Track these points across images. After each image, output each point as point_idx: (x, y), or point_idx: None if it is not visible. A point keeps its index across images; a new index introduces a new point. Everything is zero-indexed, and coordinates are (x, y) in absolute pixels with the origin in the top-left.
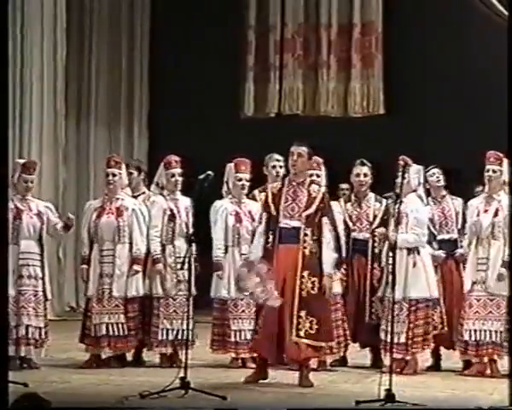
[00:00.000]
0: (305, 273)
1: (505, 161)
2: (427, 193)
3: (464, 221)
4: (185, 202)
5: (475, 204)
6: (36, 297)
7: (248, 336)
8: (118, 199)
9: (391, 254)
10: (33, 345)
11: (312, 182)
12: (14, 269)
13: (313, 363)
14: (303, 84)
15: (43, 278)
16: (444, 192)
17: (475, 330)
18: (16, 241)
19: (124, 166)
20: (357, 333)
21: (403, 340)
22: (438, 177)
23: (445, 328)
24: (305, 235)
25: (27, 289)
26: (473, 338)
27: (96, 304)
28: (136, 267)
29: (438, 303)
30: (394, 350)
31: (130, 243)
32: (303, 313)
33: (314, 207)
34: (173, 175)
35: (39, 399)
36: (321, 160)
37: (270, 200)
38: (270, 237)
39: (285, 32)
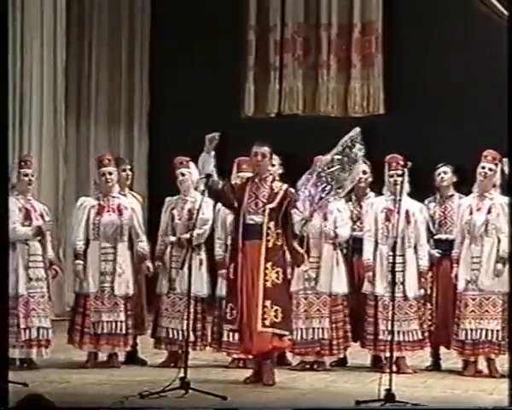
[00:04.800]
0: (269, 265)
1: (499, 164)
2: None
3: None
4: (194, 203)
5: (467, 203)
6: (43, 299)
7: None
8: (114, 197)
9: (391, 253)
10: (44, 346)
11: (274, 179)
12: (24, 270)
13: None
14: (303, 85)
15: (46, 279)
16: (450, 192)
17: (471, 330)
18: (26, 242)
19: (115, 163)
20: (358, 333)
21: (420, 337)
22: (442, 176)
23: (433, 326)
24: (268, 228)
25: (36, 291)
26: (469, 337)
27: (94, 302)
28: (148, 264)
29: (428, 300)
30: (409, 348)
31: (129, 242)
32: (268, 303)
33: (277, 201)
34: (177, 176)
35: (44, 400)
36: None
37: (232, 196)
38: (236, 233)
39: (285, 32)
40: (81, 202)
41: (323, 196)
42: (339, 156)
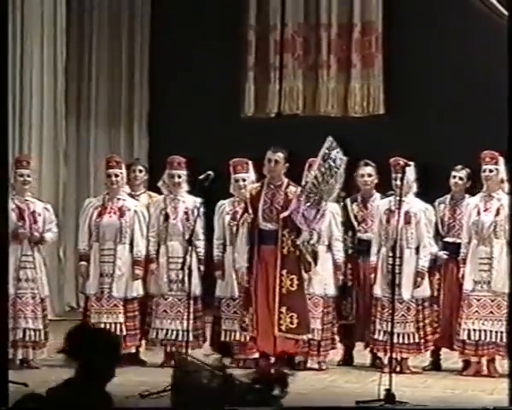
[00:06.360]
0: (284, 272)
1: (501, 160)
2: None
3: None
4: (187, 203)
5: (474, 203)
6: (34, 300)
7: (237, 337)
8: (119, 199)
9: (391, 253)
10: (31, 347)
11: (289, 184)
12: (16, 269)
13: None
14: (303, 84)
15: (40, 278)
16: (462, 196)
17: (474, 330)
18: (19, 242)
19: (123, 165)
20: (364, 334)
21: (416, 340)
22: (456, 181)
23: (439, 327)
24: (283, 236)
25: (25, 292)
26: (472, 338)
27: (95, 303)
28: (137, 271)
29: (435, 302)
30: (404, 350)
31: (130, 244)
32: (284, 309)
33: (290, 208)
34: (173, 176)
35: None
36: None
37: (248, 202)
38: (251, 238)
39: (285, 32)
40: (86, 203)
41: (318, 213)
42: (322, 169)
